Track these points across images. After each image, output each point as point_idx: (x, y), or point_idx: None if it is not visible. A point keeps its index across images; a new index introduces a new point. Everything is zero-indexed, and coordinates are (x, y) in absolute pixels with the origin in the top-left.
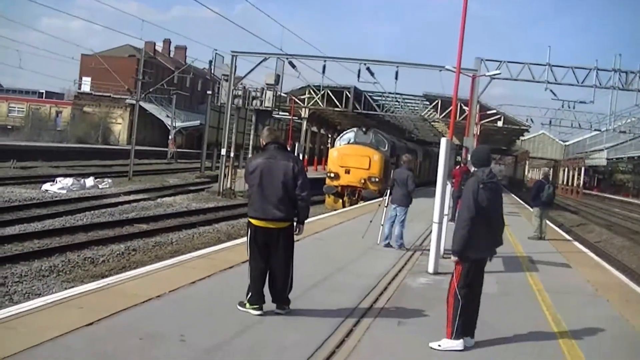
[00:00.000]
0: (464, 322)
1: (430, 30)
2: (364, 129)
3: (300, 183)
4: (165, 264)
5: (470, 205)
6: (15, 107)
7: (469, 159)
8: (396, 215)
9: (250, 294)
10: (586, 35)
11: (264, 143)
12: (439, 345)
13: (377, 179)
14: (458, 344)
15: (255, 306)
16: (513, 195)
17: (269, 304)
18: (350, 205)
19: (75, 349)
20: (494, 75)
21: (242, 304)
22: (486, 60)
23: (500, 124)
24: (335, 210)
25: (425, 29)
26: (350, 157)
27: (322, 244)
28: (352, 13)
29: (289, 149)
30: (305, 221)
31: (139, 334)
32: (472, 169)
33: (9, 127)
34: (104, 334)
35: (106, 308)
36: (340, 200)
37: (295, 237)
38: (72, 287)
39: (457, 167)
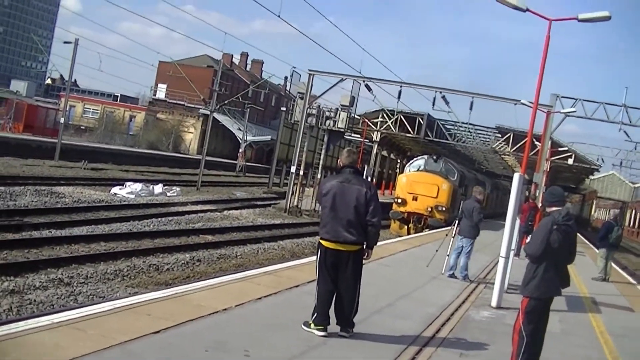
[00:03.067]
0: (529, 359)
1: (507, 60)
2: (434, 157)
3: (372, 209)
4: (232, 278)
5: (539, 244)
6: (90, 109)
7: (537, 194)
8: (462, 246)
9: (315, 314)
10: None
11: (341, 165)
12: None
13: (444, 208)
14: None
15: (320, 327)
16: (578, 234)
17: (334, 326)
18: (416, 232)
19: (143, 355)
20: (569, 112)
21: (307, 324)
22: (562, 97)
23: (570, 161)
24: (400, 236)
25: (501, 58)
26: (418, 184)
27: (388, 269)
28: (431, 38)
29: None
30: (374, 246)
31: (204, 345)
32: (545, 207)
33: (83, 127)
34: (170, 342)
35: (173, 317)
36: (406, 227)
37: (364, 261)
38: (136, 292)
39: (526, 202)
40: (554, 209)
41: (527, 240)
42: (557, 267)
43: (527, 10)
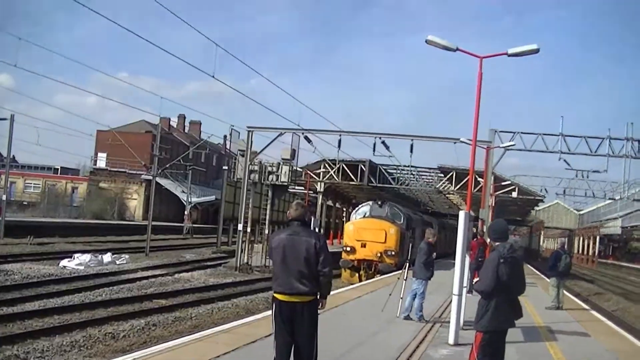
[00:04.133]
0: None
1: (444, 99)
2: (379, 202)
3: (322, 259)
4: (188, 339)
5: (489, 279)
6: (31, 183)
7: (484, 230)
8: (416, 287)
9: None
10: (598, 104)
11: (289, 218)
12: None
13: (393, 252)
14: None
15: None
16: (529, 265)
17: None
18: (367, 279)
19: None
20: (509, 146)
21: None
22: (500, 131)
23: (515, 194)
24: (352, 284)
25: (438, 98)
26: (366, 230)
27: (343, 317)
28: (368, 85)
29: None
30: (328, 295)
31: None
32: (490, 241)
33: (25, 203)
34: None
35: None
36: (357, 274)
37: (319, 312)
38: None
39: (474, 239)
40: (498, 243)
41: (477, 278)
42: (509, 299)
43: (458, 49)
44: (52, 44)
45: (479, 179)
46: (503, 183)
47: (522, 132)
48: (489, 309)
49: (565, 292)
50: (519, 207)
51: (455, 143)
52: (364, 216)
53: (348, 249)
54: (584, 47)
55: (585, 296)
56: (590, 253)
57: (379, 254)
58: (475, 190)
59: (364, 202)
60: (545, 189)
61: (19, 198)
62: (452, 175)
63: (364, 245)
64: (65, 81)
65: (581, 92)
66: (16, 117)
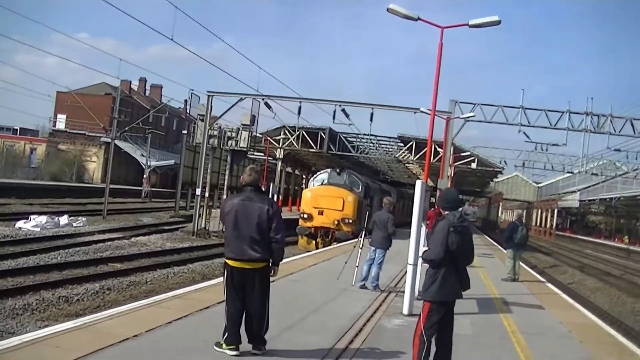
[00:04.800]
0: None
1: (405, 68)
2: (337, 170)
3: (275, 226)
4: (141, 304)
5: (438, 248)
6: None
7: None
8: (374, 257)
9: (226, 334)
10: (559, 78)
11: (243, 183)
12: None
13: (350, 220)
14: None
15: (231, 346)
16: (486, 236)
17: (246, 345)
18: (324, 246)
19: None
20: (468, 117)
21: (218, 345)
22: (460, 102)
23: (474, 165)
24: (308, 251)
25: (400, 66)
26: (323, 198)
27: (297, 285)
28: (325, 53)
29: (263, 189)
30: (280, 263)
31: None
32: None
33: None
34: None
35: (82, 347)
36: (314, 242)
37: (271, 279)
38: (47, 325)
39: (432, 209)
40: (447, 212)
41: (424, 248)
42: (457, 270)
43: (419, 19)
44: (9, 1)
45: (439, 149)
46: (462, 154)
47: (482, 104)
48: (436, 278)
49: (521, 264)
50: (478, 178)
51: (415, 113)
52: (322, 183)
53: (305, 216)
54: (548, 20)
55: (542, 268)
56: (548, 226)
57: (336, 222)
58: (435, 160)
59: (323, 169)
60: (505, 161)
61: None
62: (412, 145)
63: (321, 213)
64: (24, 41)
65: (543, 66)
66: None
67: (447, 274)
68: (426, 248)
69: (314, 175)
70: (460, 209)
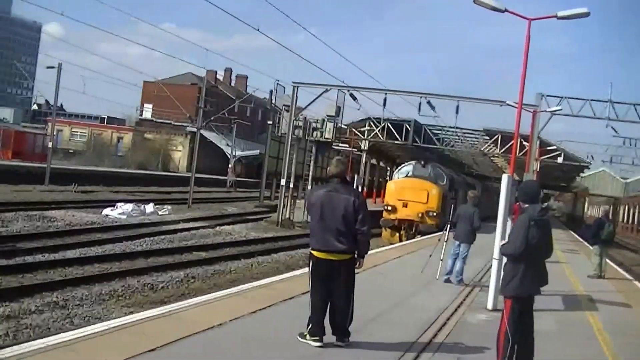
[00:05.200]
0: None
1: (490, 60)
2: (422, 162)
3: (361, 217)
4: (226, 293)
5: (518, 242)
6: (77, 132)
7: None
8: (459, 251)
9: (310, 325)
10: None
11: (330, 175)
12: None
13: (435, 213)
14: None
15: (315, 337)
16: (572, 232)
17: (329, 336)
18: (407, 239)
19: None
20: (555, 111)
21: (302, 335)
22: (547, 95)
23: (560, 160)
24: (392, 243)
25: (485, 59)
26: (408, 190)
27: (382, 277)
28: (411, 45)
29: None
30: (366, 255)
31: None
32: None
33: (71, 151)
34: None
35: (168, 335)
36: (397, 234)
37: (356, 271)
38: (132, 312)
39: (517, 203)
40: (527, 205)
41: (503, 242)
42: (536, 264)
43: (506, 10)
44: None
45: (525, 143)
46: (548, 148)
47: (569, 97)
48: (516, 273)
49: (608, 260)
50: (564, 173)
51: (501, 106)
52: (407, 175)
53: (389, 208)
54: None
55: (629, 266)
56: (636, 222)
57: (420, 214)
58: (520, 154)
59: (407, 161)
60: (592, 156)
61: (65, 146)
62: (498, 138)
63: (405, 205)
64: (111, 31)
65: (633, 58)
66: (64, 65)
67: (527, 269)
68: (505, 242)
69: (399, 168)
70: (546, 203)
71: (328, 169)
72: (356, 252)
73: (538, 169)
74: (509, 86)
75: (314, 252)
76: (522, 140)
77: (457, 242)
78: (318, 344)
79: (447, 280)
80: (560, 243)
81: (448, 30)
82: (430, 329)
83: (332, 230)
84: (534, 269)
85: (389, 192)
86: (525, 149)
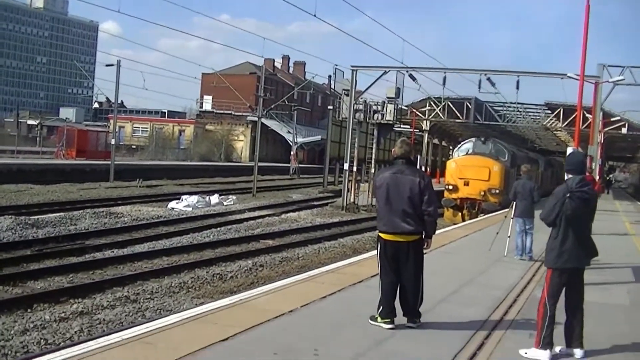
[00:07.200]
0: (552, 332)
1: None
2: (482, 139)
3: (427, 198)
4: (295, 279)
5: (549, 209)
6: (139, 127)
7: (593, 167)
8: (524, 228)
9: (381, 307)
10: None
11: (394, 156)
12: (526, 353)
13: (497, 191)
14: (544, 354)
15: (386, 320)
16: (639, 203)
17: (400, 318)
18: (470, 218)
19: None
20: (618, 81)
21: (373, 318)
22: (609, 65)
23: (624, 131)
24: (455, 223)
25: (545, 33)
26: (468, 168)
27: (450, 257)
28: (470, 22)
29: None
30: (433, 235)
31: (273, 348)
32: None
33: (134, 146)
34: (239, 349)
35: (240, 323)
36: (460, 214)
37: (424, 251)
38: (202, 303)
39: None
40: (569, 176)
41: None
42: (577, 236)
43: None
44: None
45: (587, 115)
46: (612, 119)
47: (632, 67)
48: (554, 246)
49: None
50: (629, 143)
51: (562, 79)
52: (467, 153)
53: (450, 187)
54: None
55: None
56: None
57: (482, 193)
58: (584, 126)
59: (468, 139)
60: None
61: (128, 142)
62: (560, 111)
63: (466, 184)
64: (168, 25)
65: None
66: (122, 62)
67: (565, 240)
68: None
69: (458, 146)
70: (611, 175)
71: (392, 150)
72: (423, 233)
73: (602, 141)
74: (571, 58)
75: (382, 235)
76: (585, 112)
77: (521, 220)
78: (389, 326)
79: (517, 257)
80: (628, 215)
81: (506, 8)
82: (501, 306)
83: (399, 212)
84: (572, 241)
85: (449, 171)
86: (589, 121)
